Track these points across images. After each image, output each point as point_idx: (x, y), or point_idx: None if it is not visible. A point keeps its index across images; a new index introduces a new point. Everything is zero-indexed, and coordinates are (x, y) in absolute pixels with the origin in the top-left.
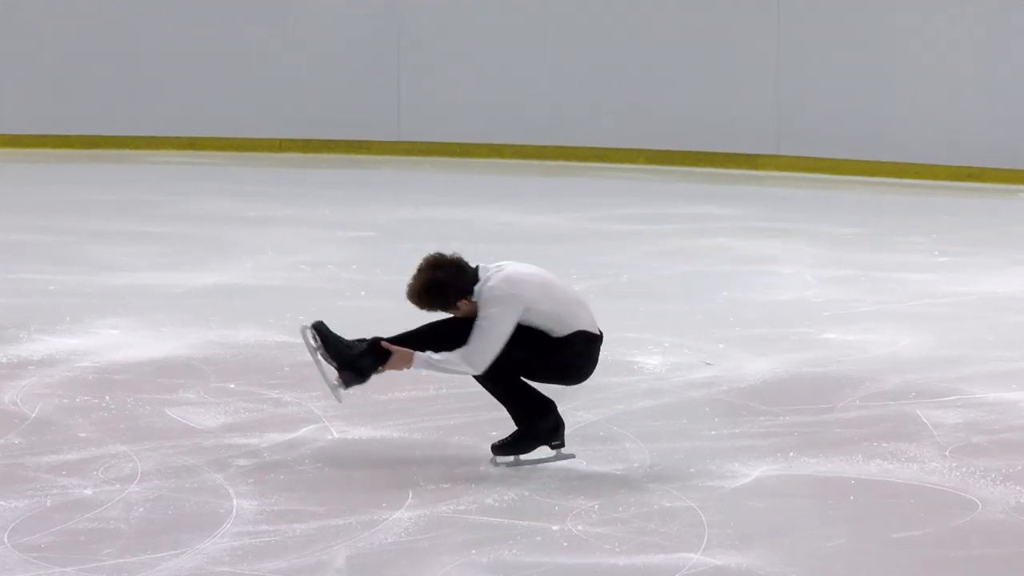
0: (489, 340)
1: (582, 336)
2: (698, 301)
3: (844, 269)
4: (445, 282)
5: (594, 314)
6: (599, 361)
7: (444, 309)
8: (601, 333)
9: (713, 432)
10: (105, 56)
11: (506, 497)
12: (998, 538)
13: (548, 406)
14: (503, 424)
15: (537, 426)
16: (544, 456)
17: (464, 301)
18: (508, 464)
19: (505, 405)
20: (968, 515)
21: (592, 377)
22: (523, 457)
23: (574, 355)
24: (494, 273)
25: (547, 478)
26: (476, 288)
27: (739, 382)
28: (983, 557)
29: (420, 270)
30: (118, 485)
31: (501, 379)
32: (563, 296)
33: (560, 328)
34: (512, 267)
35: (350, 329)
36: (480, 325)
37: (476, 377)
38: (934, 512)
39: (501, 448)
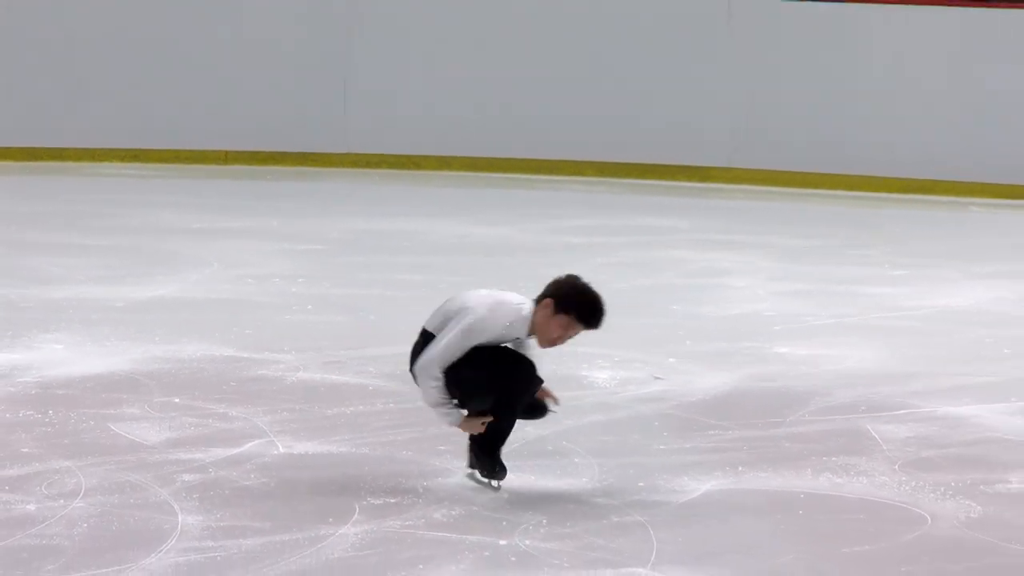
0: None
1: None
2: (650, 314)
3: (797, 282)
4: None
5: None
6: (547, 375)
7: None
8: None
9: (663, 447)
10: (44, 66)
11: (454, 512)
12: (948, 553)
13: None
14: (449, 439)
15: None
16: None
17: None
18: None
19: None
20: (918, 530)
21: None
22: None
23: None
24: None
25: (495, 493)
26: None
27: (690, 396)
28: (934, 571)
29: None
30: (61, 501)
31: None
32: None
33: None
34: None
35: (296, 341)
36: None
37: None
38: (884, 527)
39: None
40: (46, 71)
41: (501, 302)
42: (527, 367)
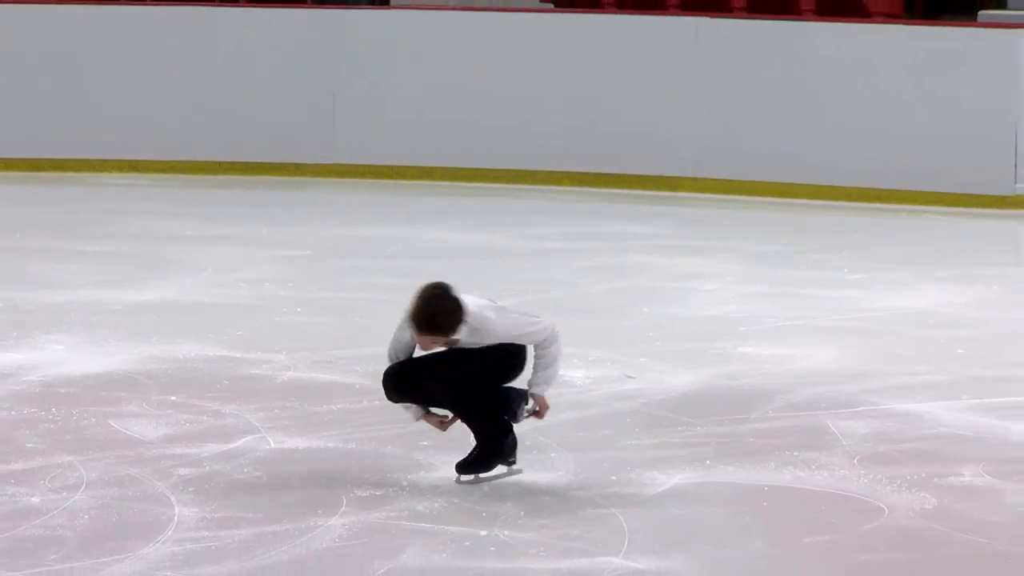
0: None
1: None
2: (622, 317)
3: (761, 286)
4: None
5: None
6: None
7: (447, 336)
8: None
9: (635, 442)
10: (48, 81)
11: (436, 504)
12: (904, 542)
13: (508, 427)
14: (431, 435)
15: (501, 445)
16: (498, 473)
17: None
18: (470, 482)
19: (474, 425)
20: (876, 520)
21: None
22: (482, 475)
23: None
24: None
25: (475, 486)
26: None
27: (660, 394)
28: (890, 561)
29: (433, 297)
30: (64, 493)
31: (474, 399)
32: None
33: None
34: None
35: (286, 342)
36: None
37: (451, 399)
38: (844, 518)
39: (465, 467)
40: (48, 87)
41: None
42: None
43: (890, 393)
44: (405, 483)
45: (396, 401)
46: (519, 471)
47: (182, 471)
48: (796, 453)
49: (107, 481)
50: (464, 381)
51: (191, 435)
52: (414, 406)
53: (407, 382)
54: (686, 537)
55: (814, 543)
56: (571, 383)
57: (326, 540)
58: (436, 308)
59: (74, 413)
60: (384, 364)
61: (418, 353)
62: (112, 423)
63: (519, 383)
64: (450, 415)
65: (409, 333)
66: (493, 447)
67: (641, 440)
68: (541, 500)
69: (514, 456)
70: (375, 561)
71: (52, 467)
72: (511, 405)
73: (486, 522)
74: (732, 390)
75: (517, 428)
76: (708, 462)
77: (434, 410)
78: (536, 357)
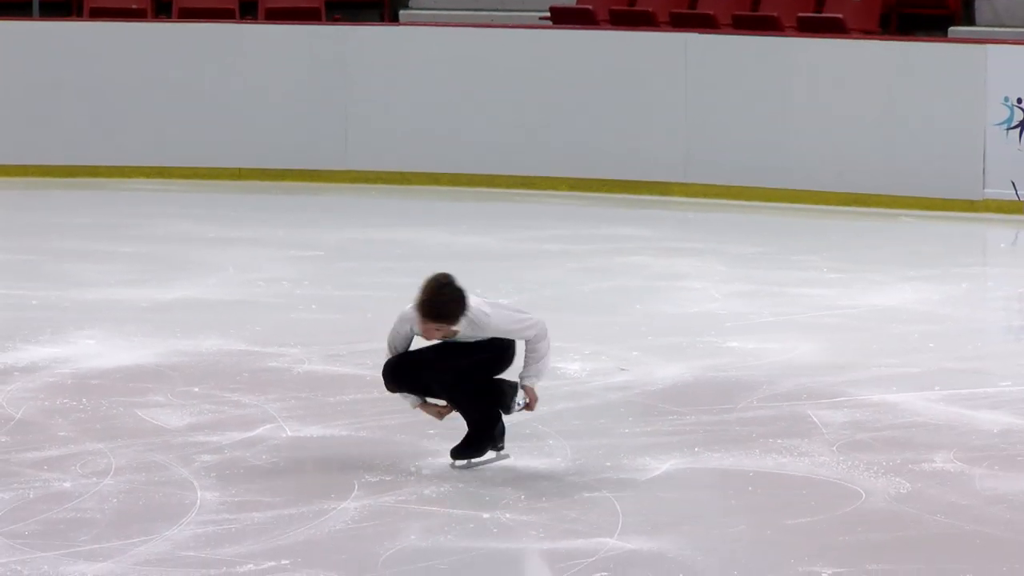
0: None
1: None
2: (615, 313)
3: (746, 284)
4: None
5: None
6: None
7: (450, 325)
8: None
9: (627, 430)
10: (82, 94)
11: (442, 489)
12: (880, 524)
13: (497, 415)
14: (439, 424)
15: (492, 432)
16: (487, 458)
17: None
18: (463, 466)
19: (467, 414)
20: (854, 504)
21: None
22: (474, 460)
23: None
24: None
25: (479, 472)
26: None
27: (651, 385)
28: (867, 541)
29: (440, 287)
30: (94, 479)
31: (468, 389)
32: None
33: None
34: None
35: (302, 337)
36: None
37: (448, 390)
38: (824, 501)
39: (459, 452)
40: (83, 101)
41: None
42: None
43: (867, 384)
44: (413, 469)
45: (395, 391)
46: (507, 456)
47: (205, 457)
48: (779, 440)
49: (134, 467)
50: (459, 372)
51: (213, 424)
52: (412, 396)
53: (406, 373)
54: (676, 519)
55: (796, 525)
56: (568, 375)
57: (339, 522)
58: (443, 297)
59: (104, 403)
60: (384, 357)
61: (415, 346)
62: (139, 412)
63: (510, 375)
64: (446, 404)
65: (408, 326)
66: (484, 434)
67: (634, 428)
68: (540, 485)
69: (503, 442)
70: (385, 541)
71: (83, 454)
72: (503, 398)
73: (488, 505)
74: (719, 381)
75: (509, 419)
76: (696, 449)
77: (431, 400)
78: (527, 352)
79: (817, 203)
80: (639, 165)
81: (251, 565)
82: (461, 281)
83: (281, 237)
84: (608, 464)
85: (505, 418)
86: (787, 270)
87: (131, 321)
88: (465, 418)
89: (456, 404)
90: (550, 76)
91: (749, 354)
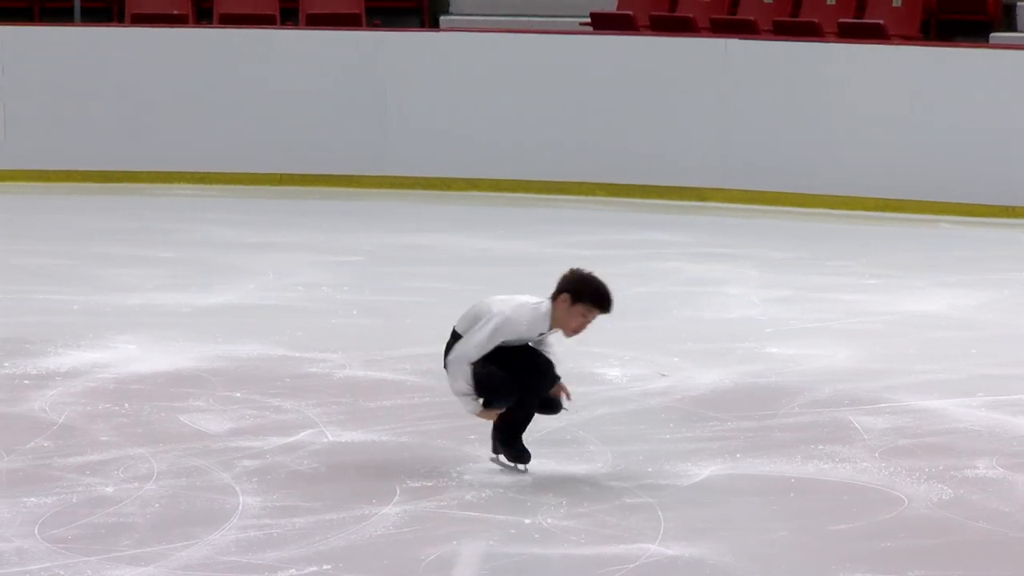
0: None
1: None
2: (654, 319)
3: (784, 290)
4: None
5: None
6: (565, 373)
7: None
8: None
9: (668, 436)
10: (123, 100)
11: (483, 494)
12: (922, 531)
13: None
14: (479, 429)
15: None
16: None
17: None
18: (499, 461)
19: (528, 414)
20: (895, 510)
21: None
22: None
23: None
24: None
25: (520, 477)
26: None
27: (691, 391)
28: (909, 547)
29: (593, 276)
30: (136, 483)
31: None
32: None
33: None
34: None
35: (341, 342)
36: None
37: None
38: (865, 507)
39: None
40: (124, 106)
41: (521, 304)
42: (545, 365)
43: (907, 391)
44: (454, 474)
45: (502, 401)
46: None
47: (246, 462)
48: (820, 446)
49: (176, 472)
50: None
51: (254, 429)
52: (477, 400)
53: (542, 377)
54: (717, 525)
55: (837, 531)
56: (607, 380)
57: (380, 527)
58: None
59: (145, 408)
60: (431, 362)
61: (517, 344)
62: (180, 417)
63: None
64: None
65: (525, 325)
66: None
67: (674, 434)
68: (581, 490)
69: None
70: (426, 547)
71: (125, 459)
72: (554, 403)
73: (530, 511)
74: (759, 387)
75: (558, 422)
76: (737, 455)
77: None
78: (543, 346)
79: (855, 209)
80: (677, 170)
81: (292, 570)
82: (502, 289)
83: (321, 242)
84: (649, 470)
85: (539, 421)
86: (825, 276)
87: (172, 326)
88: (524, 421)
89: (528, 408)
90: (590, 81)
91: (789, 360)
